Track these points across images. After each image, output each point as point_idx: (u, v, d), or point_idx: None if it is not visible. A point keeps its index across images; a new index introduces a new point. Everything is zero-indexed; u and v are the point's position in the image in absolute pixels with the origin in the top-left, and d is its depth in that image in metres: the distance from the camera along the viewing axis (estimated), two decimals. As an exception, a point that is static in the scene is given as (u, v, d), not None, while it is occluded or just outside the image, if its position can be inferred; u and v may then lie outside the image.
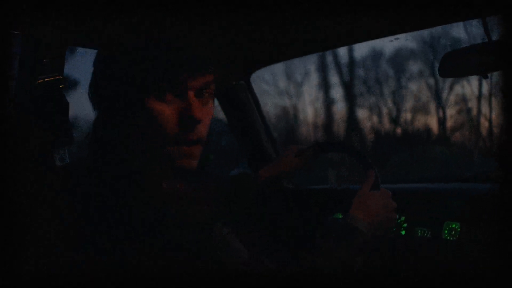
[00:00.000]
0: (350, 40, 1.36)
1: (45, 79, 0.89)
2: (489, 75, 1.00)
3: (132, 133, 0.79)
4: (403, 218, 1.33)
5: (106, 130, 0.81)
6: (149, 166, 0.80)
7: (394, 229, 1.33)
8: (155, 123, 0.78)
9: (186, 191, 0.85)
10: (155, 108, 0.78)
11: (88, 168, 0.79)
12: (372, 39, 1.36)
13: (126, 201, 0.73)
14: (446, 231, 1.24)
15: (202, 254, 0.72)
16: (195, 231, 0.73)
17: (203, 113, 0.82)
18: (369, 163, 1.13)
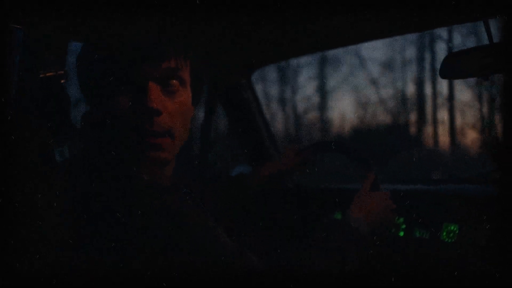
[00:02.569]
0: (352, 39, 1.36)
1: (47, 74, 0.89)
2: (490, 77, 1.00)
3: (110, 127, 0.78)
4: (402, 219, 1.33)
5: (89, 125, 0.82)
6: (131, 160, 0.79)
7: (393, 230, 1.33)
8: (121, 116, 0.76)
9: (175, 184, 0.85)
10: (119, 101, 0.77)
11: (81, 164, 0.80)
12: (373, 39, 1.36)
13: (115, 197, 0.73)
14: (444, 233, 1.24)
15: (186, 249, 0.71)
16: (180, 226, 0.72)
17: (166, 103, 0.79)
18: (369, 164, 1.14)
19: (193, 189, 0.94)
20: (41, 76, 0.88)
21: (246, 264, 0.76)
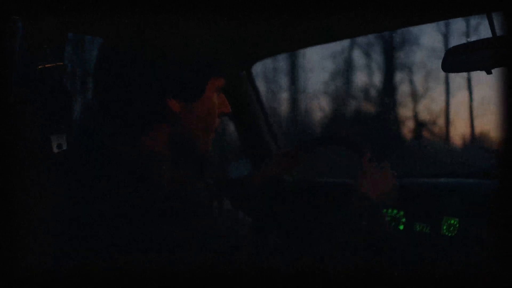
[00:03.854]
0: (354, 32, 1.35)
1: (46, 66, 0.89)
2: (492, 70, 1.00)
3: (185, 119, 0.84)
4: (402, 213, 1.33)
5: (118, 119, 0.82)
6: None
7: (393, 223, 1.34)
8: (211, 111, 0.87)
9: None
10: (212, 98, 0.87)
11: (90, 159, 0.80)
12: (375, 32, 1.35)
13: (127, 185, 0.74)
14: (445, 227, 1.24)
15: (202, 227, 0.74)
16: (192, 202, 0.76)
17: None
18: (359, 144, 1.16)
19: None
20: (40, 67, 0.88)
21: (269, 245, 0.81)
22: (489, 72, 0.99)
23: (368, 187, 1.02)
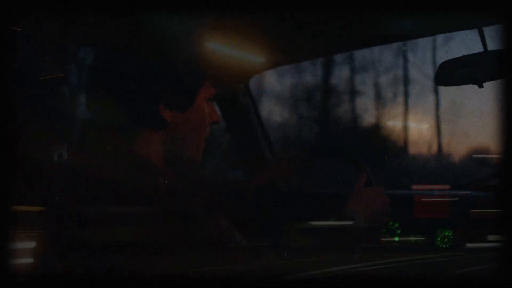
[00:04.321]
0: (348, 46, 1.37)
1: (47, 77, 0.90)
2: (484, 84, 1.02)
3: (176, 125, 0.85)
4: (396, 224, 1.34)
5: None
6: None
7: (389, 235, 1.34)
8: (202, 121, 0.89)
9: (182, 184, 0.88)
10: (203, 106, 0.89)
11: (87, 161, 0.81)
12: (367, 46, 1.38)
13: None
14: (439, 238, 1.25)
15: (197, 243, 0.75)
16: (188, 221, 0.77)
17: None
18: (360, 163, 1.16)
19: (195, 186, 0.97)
20: (41, 78, 0.89)
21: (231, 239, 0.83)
22: (480, 86, 1.01)
23: (360, 212, 1.03)
